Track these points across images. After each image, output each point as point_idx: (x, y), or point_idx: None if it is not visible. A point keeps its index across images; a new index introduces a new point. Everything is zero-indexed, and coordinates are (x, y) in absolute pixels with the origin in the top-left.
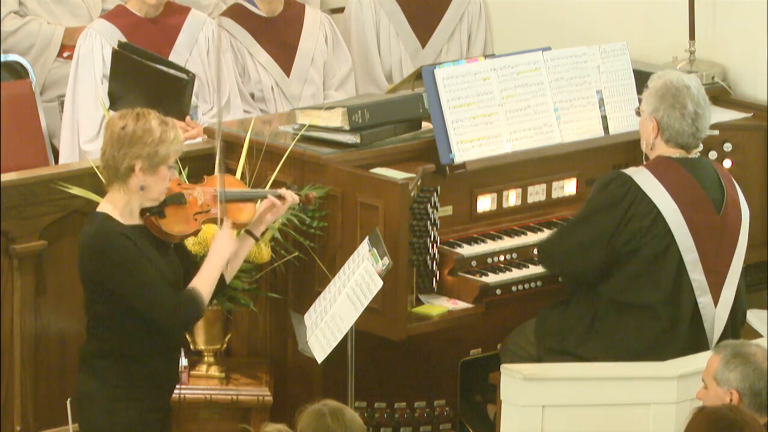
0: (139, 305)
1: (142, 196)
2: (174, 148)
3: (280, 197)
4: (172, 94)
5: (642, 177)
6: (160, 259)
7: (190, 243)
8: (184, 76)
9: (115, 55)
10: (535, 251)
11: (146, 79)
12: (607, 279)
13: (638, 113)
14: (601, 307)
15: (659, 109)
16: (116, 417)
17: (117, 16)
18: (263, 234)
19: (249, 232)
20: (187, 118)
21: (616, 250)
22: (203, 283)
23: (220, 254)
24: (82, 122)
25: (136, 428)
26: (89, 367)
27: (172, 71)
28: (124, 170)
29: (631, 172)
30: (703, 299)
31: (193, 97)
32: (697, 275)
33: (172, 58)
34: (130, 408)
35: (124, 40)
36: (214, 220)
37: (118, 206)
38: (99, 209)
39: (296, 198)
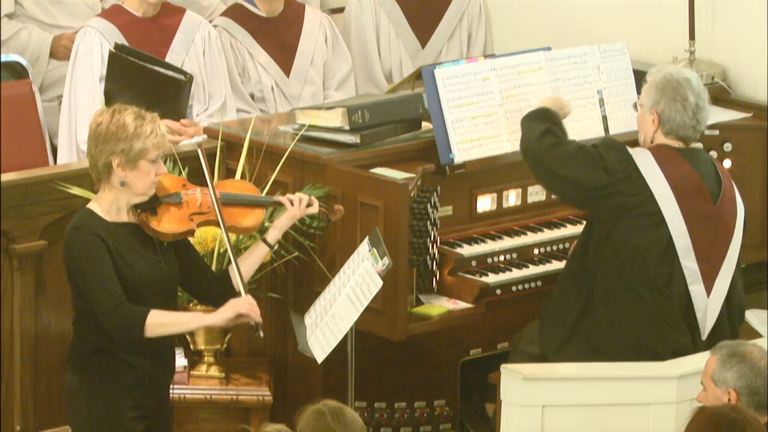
0: (86, 297)
1: (126, 192)
2: (152, 142)
3: (292, 201)
4: (169, 95)
5: (643, 158)
6: (145, 257)
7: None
8: (181, 77)
9: (112, 57)
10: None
11: (143, 80)
12: (599, 263)
13: (636, 107)
14: (592, 302)
15: (660, 102)
16: (94, 413)
17: (115, 14)
18: (264, 232)
19: (264, 240)
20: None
21: (598, 212)
22: (160, 320)
23: (201, 322)
24: (81, 121)
25: (114, 426)
26: (72, 363)
27: (169, 73)
28: (102, 167)
29: (634, 152)
30: (695, 288)
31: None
32: (689, 263)
33: (169, 57)
34: (108, 405)
35: (122, 39)
36: (212, 223)
37: (105, 204)
38: (87, 206)
39: (316, 207)
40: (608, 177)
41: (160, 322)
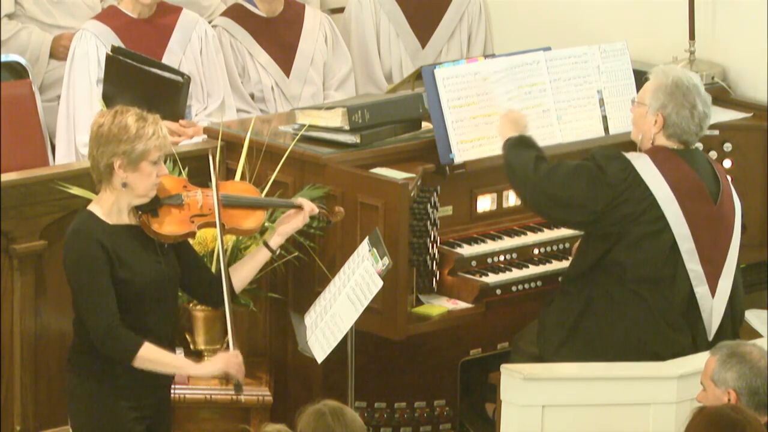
0: (80, 309)
1: (127, 194)
2: (154, 144)
3: (299, 207)
4: (167, 96)
5: (641, 163)
6: (145, 259)
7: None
8: (179, 78)
9: (109, 60)
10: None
11: (141, 82)
12: (600, 267)
13: (634, 102)
14: (592, 302)
15: (668, 106)
16: (94, 414)
17: (110, 16)
18: (264, 233)
19: (266, 244)
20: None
21: (605, 226)
22: (152, 356)
23: (189, 370)
24: (79, 125)
25: (114, 427)
26: (72, 364)
27: (166, 74)
28: (104, 168)
29: (632, 157)
30: (700, 289)
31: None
32: (693, 265)
33: (166, 57)
34: (108, 406)
35: (118, 41)
36: (213, 225)
37: (105, 205)
38: (87, 208)
39: (315, 209)
40: (612, 190)
41: (150, 358)
